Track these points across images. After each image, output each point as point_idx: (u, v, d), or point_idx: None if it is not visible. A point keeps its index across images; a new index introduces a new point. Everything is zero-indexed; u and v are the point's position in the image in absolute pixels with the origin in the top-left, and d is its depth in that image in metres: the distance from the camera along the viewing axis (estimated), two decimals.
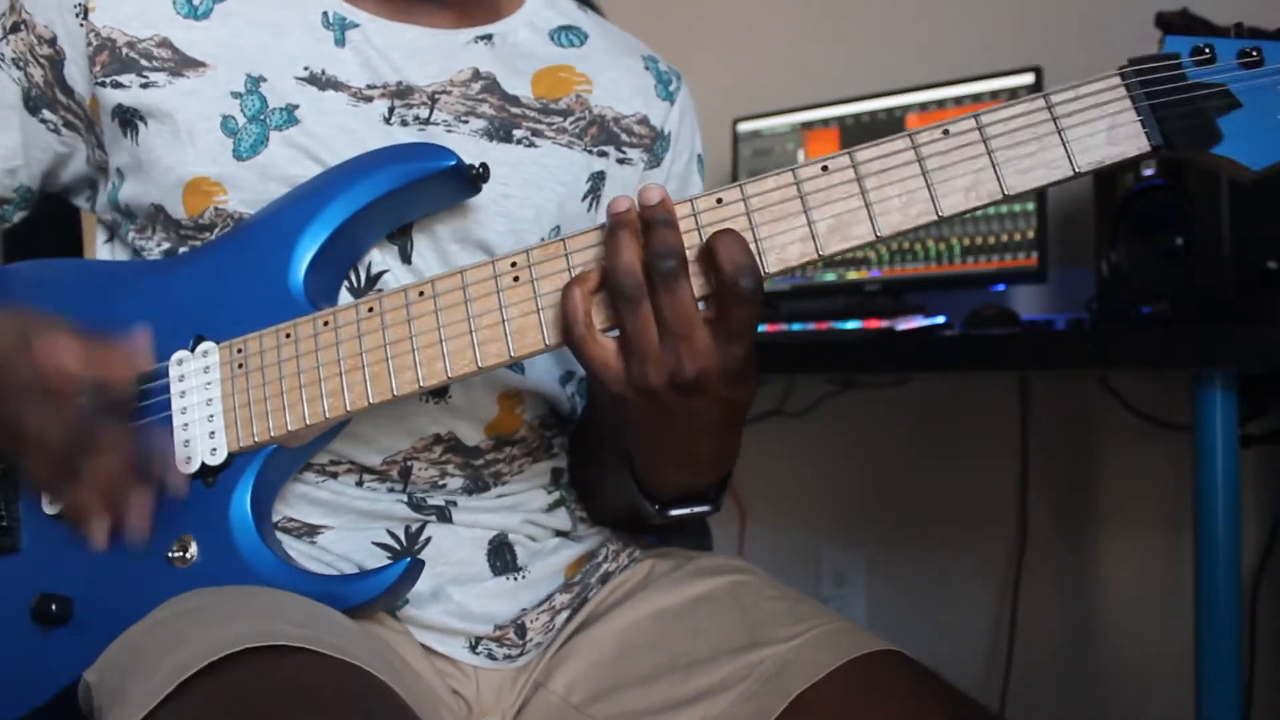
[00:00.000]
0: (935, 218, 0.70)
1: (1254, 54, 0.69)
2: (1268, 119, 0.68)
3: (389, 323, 0.76)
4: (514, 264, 0.74)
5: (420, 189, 0.81)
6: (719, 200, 0.72)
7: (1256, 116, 0.68)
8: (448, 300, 0.75)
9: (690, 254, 0.70)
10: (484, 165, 0.82)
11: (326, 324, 0.78)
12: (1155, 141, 0.69)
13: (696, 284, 0.70)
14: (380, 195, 0.80)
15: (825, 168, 0.71)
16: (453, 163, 0.79)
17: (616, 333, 0.71)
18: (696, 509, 0.84)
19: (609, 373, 0.71)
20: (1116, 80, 0.70)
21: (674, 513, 0.84)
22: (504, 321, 0.74)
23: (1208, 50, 0.69)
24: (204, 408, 0.79)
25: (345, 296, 0.83)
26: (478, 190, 0.83)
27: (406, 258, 0.84)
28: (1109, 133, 0.69)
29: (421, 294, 0.76)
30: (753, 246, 0.70)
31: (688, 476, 0.82)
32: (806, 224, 0.71)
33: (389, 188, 0.80)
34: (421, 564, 0.79)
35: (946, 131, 0.71)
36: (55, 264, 0.90)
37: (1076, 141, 0.69)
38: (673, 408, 0.72)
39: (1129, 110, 0.69)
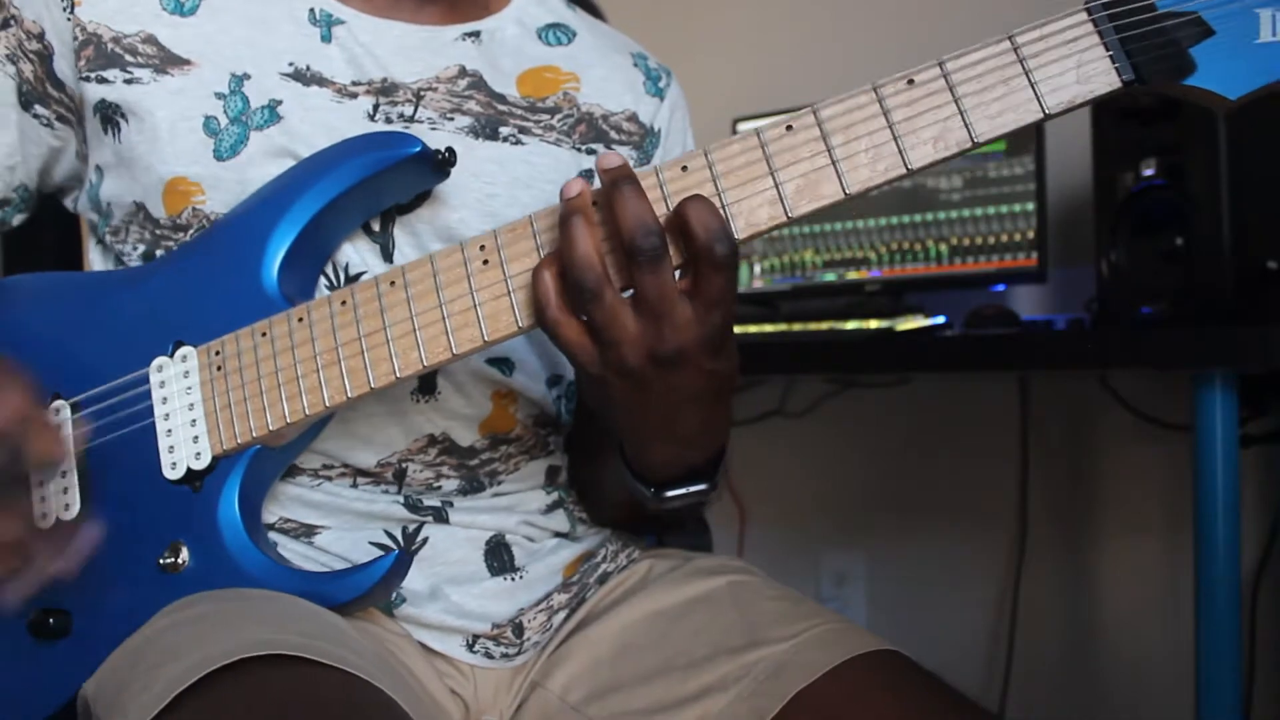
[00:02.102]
0: (904, 171, 0.69)
1: None
2: (1243, 45, 0.65)
3: (363, 315, 0.76)
4: (483, 247, 0.73)
5: (388, 178, 0.80)
6: (684, 168, 0.70)
7: (1231, 43, 0.66)
8: (419, 289, 0.75)
9: None
10: (450, 149, 0.81)
11: (301, 320, 0.77)
12: (1126, 77, 0.67)
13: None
14: (348, 187, 0.79)
15: (790, 127, 0.70)
16: (417, 149, 0.79)
17: None
18: (693, 488, 0.82)
19: (585, 354, 0.70)
20: (1083, 15, 0.67)
21: (670, 493, 0.82)
22: (476, 306, 0.73)
23: None
24: (186, 412, 0.79)
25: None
26: (446, 175, 0.82)
27: (388, 257, 0.84)
28: (1078, 70, 0.67)
29: (393, 284, 0.75)
30: (720, 213, 0.69)
31: (677, 453, 0.80)
32: (774, 185, 0.69)
33: (356, 179, 0.79)
34: (410, 557, 0.79)
35: (911, 81, 0.69)
36: (36, 278, 0.90)
37: (1045, 82, 0.67)
38: (653, 385, 0.71)
39: (1097, 46, 0.67)
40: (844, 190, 0.69)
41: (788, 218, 0.70)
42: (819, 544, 2.17)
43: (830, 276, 1.88)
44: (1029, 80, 0.68)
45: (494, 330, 0.73)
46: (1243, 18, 0.66)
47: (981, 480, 1.95)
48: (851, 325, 1.63)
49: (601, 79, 0.94)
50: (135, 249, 0.86)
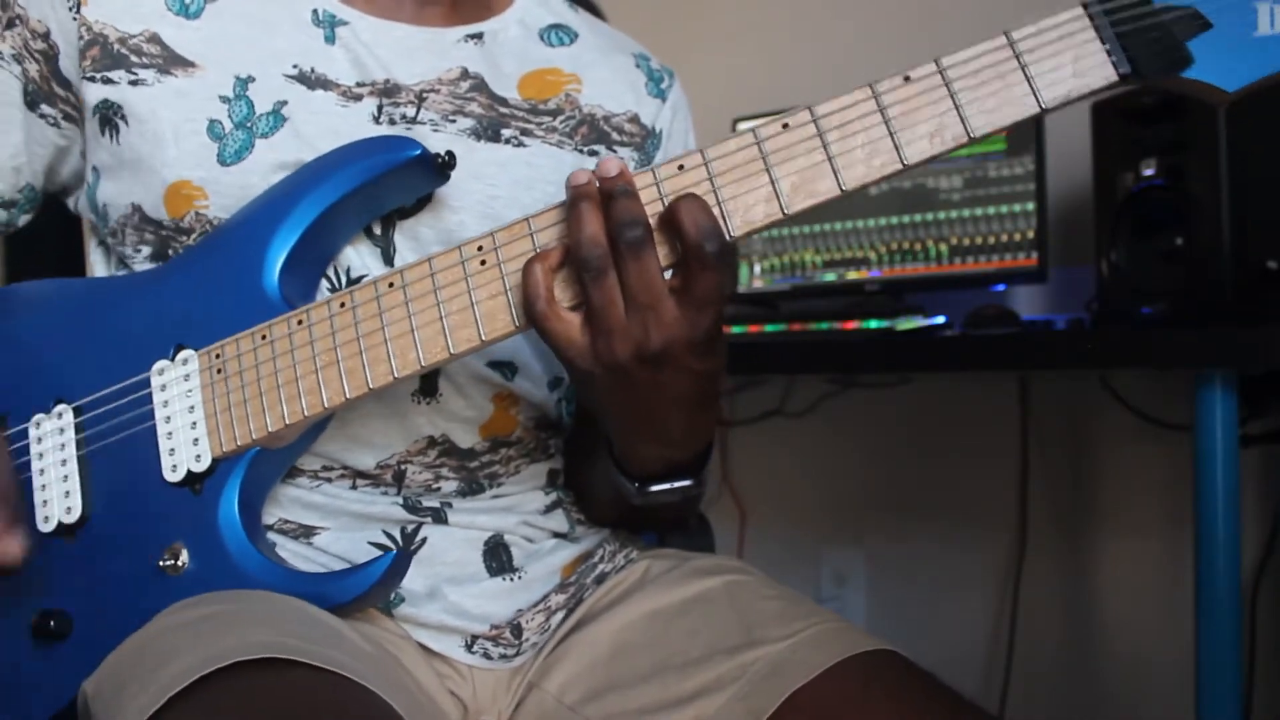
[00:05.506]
0: (900, 166, 0.69)
1: None
2: (1240, 38, 0.66)
3: (361, 316, 0.76)
4: (480, 247, 0.74)
5: (388, 181, 0.81)
6: (680, 167, 0.71)
7: (1228, 36, 0.66)
8: (417, 289, 0.75)
9: (653, 221, 0.69)
10: (450, 153, 0.81)
11: (300, 323, 0.78)
12: (1123, 70, 0.67)
13: (661, 253, 0.69)
14: (348, 191, 0.80)
15: (786, 125, 0.70)
16: (417, 152, 0.79)
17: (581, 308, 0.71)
18: (676, 484, 0.83)
19: (574, 349, 0.71)
20: (1079, 10, 0.68)
21: (654, 489, 0.82)
22: (473, 305, 0.73)
23: None
24: (186, 415, 0.80)
25: None
26: (447, 179, 0.82)
27: (389, 260, 0.84)
28: (1074, 64, 0.68)
29: (391, 285, 0.76)
30: (716, 210, 0.69)
31: (663, 451, 0.81)
32: (770, 183, 0.70)
33: (356, 183, 0.80)
34: (409, 556, 0.79)
35: (907, 78, 0.69)
36: (39, 285, 0.90)
37: (1041, 76, 0.68)
38: (640, 381, 0.71)
39: (1094, 40, 0.67)
40: (840, 186, 0.70)
41: (784, 214, 0.70)
42: (819, 544, 2.17)
43: (830, 276, 1.88)
44: (1025, 75, 0.68)
45: (491, 330, 0.73)
46: (1241, 10, 0.66)
47: (981, 480, 1.95)
48: (851, 325, 1.63)
49: (603, 80, 0.94)
50: (139, 250, 0.86)
